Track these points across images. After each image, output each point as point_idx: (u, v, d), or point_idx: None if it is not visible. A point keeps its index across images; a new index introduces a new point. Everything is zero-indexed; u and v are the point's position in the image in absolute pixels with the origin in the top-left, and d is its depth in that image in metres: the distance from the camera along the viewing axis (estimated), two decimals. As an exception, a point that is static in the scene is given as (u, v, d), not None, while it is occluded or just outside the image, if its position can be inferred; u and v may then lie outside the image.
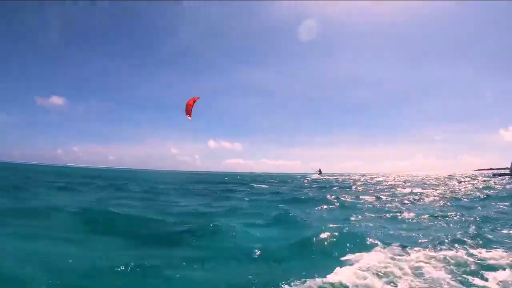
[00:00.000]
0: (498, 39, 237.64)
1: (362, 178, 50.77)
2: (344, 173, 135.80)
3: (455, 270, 4.44)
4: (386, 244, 5.80)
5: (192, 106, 12.97)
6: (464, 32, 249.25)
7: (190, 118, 13.11)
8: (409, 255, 5.17)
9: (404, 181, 35.73)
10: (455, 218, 9.19)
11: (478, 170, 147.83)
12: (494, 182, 29.97)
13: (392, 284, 4.02)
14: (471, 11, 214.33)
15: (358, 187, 25.86)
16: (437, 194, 17.46)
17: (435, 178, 43.85)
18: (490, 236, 6.44)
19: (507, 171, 51.20)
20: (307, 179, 47.82)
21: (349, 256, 5.21)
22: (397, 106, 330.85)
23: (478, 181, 32.31)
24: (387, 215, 10.14)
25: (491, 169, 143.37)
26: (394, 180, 41.26)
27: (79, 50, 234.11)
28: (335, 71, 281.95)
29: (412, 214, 9.98)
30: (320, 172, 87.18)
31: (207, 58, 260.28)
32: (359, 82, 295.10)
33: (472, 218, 8.97)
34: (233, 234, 6.63)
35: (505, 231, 7.35)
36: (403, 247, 5.62)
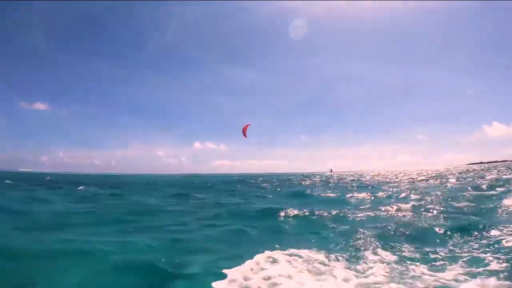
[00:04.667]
0: (475, 40, 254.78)
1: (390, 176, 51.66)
2: (348, 171, 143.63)
3: None
4: None
5: (246, 129, 18.08)
6: (444, 33, 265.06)
7: (245, 137, 18.08)
8: None
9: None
10: None
11: (469, 164, 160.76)
12: None
13: None
14: (451, 13, 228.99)
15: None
16: None
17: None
18: None
19: None
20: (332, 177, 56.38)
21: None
22: (381, 106, 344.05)
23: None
24: None
25: (481, 163, 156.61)
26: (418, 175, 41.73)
27: (60, 54, 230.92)
28: (321, 71, 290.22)
29: None
30: (331, 170, 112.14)
31: (191, 58, 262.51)
32: (344, 82, 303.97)
33: None
34: None
35: None
36: None
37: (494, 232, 7.08)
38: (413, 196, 15.68)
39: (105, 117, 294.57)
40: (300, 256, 5.64)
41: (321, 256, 5.71)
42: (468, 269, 4.93)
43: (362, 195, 17.34)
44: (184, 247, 6.54)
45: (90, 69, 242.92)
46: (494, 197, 13.76)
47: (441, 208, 11.21)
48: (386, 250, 6.17)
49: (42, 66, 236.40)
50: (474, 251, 5.92)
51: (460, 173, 44.92)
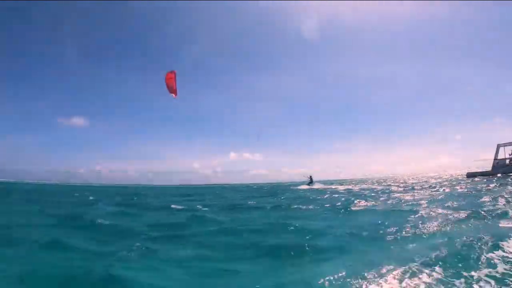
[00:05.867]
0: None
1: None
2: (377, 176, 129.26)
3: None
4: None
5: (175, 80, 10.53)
6: (480, 26, 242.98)
7: (175, 96, 10.83)
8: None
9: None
10: None
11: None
12: None
13: None
14: (490, 6, 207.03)
15: None
16: None
17: None
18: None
19: None
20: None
21: None
22: (415, 106, 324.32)
23: None
24: None
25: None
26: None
27: (96, 68, 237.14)
28: (353, 73, 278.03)
29: None
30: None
31: (223, 69, 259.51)
32: (376, 84, 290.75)
33: None
34: None
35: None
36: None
37: None
38: None
39: (139, 130, 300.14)
40: None
41: None
42: None
43: None
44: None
45: (125, 83, 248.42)
46: None
47: None
48: None
49: (80, 82, 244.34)
50: None
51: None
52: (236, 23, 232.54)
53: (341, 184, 45.14)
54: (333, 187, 36.98)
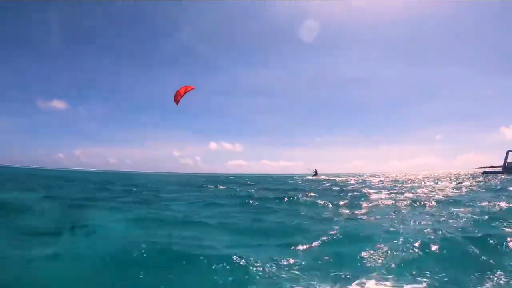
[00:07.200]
0: (496, 38, 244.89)
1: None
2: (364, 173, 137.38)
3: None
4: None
5: (182, 96, 12.58)
6: (463, 31, 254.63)
7: (177, 104, 12.75)
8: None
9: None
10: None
11: (480, 168, 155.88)
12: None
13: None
14: (469, 10, 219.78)
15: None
16: None
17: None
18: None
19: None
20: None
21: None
22: (398, 106, 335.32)
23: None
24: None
25: (492, 166, 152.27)
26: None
27: (78, 52, 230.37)
28: (337, 71, 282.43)
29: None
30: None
31: (207, 59, 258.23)
32: (361, 82, 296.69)
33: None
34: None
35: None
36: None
37: None
38: None
39: (120, 116, 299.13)
40: None
41: None
42: None
43: None
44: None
45: (107, 68, 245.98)
46: None
47: None
48: None
49: (59, 64, 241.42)
50: None
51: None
52: (225, 19, 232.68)
53: (339, 177, 50.60)
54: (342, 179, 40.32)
